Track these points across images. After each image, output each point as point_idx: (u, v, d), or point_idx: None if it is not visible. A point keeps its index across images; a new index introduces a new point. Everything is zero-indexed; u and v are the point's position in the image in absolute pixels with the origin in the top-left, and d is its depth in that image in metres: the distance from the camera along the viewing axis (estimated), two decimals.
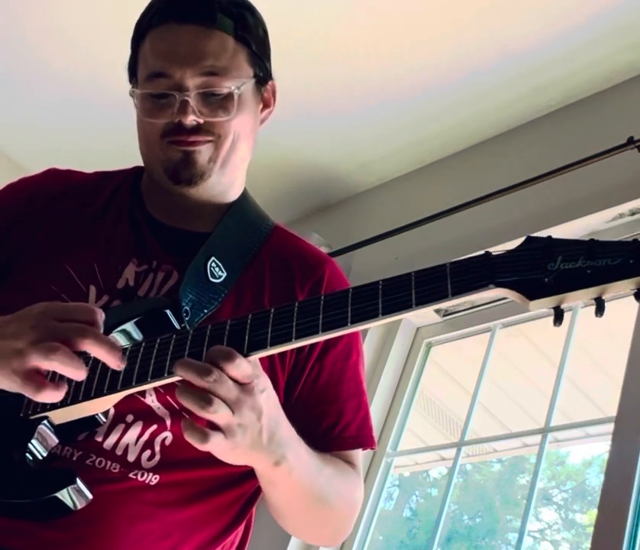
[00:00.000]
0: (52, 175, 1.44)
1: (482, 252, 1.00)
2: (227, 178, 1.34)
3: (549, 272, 0.94)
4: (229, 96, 1.28)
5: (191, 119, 1.26)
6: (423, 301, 0.98)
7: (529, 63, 2.78)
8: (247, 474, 1.23)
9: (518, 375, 3.66)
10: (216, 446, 1.01)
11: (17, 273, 1.30)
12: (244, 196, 1.40)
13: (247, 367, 1.01)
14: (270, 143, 2.94)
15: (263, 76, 1.35)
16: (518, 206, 2.74)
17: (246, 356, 1.01)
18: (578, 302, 0.95)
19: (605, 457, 2.31)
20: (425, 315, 3.00)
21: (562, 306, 0.95)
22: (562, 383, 2.52)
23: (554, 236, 1.01)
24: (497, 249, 3.00)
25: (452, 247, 2.92)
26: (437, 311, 3.00)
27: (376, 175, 3.40)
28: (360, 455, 1.33)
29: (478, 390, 2.79)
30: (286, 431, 1.11)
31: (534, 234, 1.01)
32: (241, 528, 1.28)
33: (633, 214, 2.52)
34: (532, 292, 0.94)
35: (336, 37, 2.82)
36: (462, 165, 3.14)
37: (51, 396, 1.03)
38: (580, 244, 0.95)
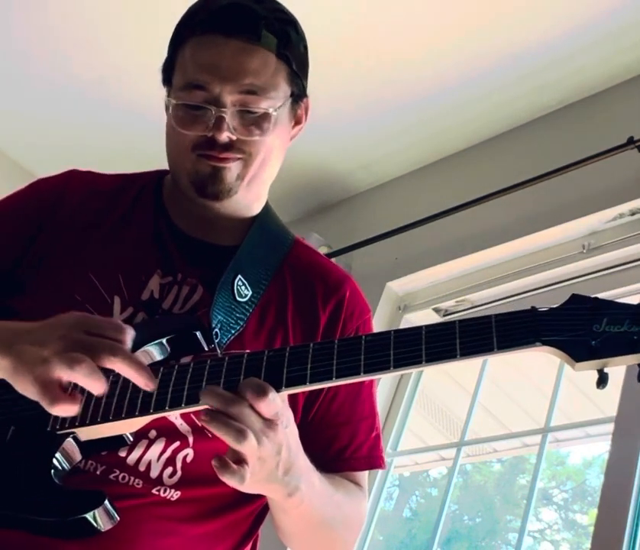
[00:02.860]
0: (73, 178, 1.41)
1: (528, 307, 1.01)
2: (252, 194, 1.33)
3: (595, 334, 0.95)
4: (265, 116, 1.26)
5: (225, 136, 1.23)
6: (468, 352, 0.99)
7: (529, 64, 2.78)
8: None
9: (518, 375, 3.66)
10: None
11: (41, 279, 1.28)
12: (267, 210, 1.39)
13: (278, 403, 1.01)
14: None
15: (298, 94, 1.33)
16: (519, 206, 2.74)
17: (281, 390, 1.02)
18: (622, 365, 0.97)
19: (605, 458, 2.31)
20: (425, 316, 3.00)
21: (605, 369, 0.96)
22: (562, 383, 2.53)
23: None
24: (497, 250, 2.99)
25: (452, 247, 2.92)
26: (437, 311, 3.00)
27: (376, 175, 3.40)
28: (367, 475, 1.34)
29: (478, 390, 2.79)
30: (302, 462, 1.11)
31: (580, 293, 1.01)
32: (249, 547, 1.29)
33: (633, 214, 2.53)
34: (579, 355, 0.96)
35: (336, 39, 2.82)
36: (462, 165, 3.14)
37: (65, 410, 1.03)
38: (625, 307, 0.96)
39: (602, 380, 0.96)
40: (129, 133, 3.38)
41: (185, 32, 1.29)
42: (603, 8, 2.54)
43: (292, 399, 1.21)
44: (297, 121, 1.37)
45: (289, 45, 1.29)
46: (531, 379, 3.59)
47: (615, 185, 2.51)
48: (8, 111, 3.52)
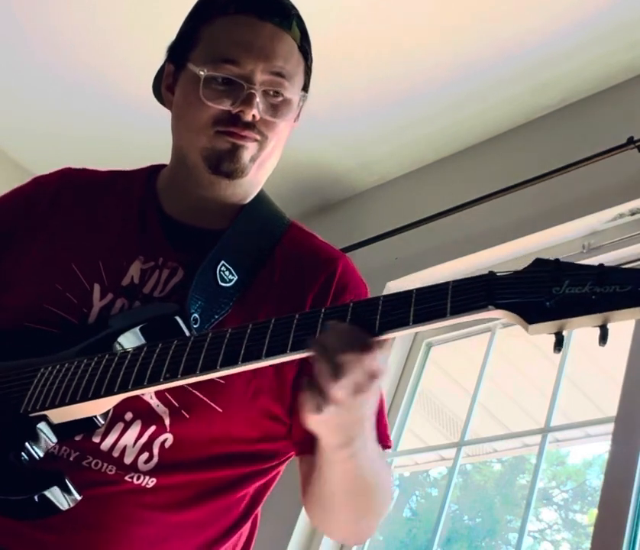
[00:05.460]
0: (66, 175, 1.43)
1: (487, 272, 0.98)
2: (257, 180, 1.34)
3: (553, 296, 0.91)
4: (287, 101, 1.29)
5: (253, 113, 1.25)
6: (421, 319, 0.97)
7: (529, 63, 2.78)
8: (248, 476, 1.23)
9: (518, 375, 3.66)
10: (321, 417, 0.98)
11: (26, 270, 1.29)
12: (260, 195, 1.39)
13: (379, 360, 0.98)
14: None
15: (305, 92, 1.36)
16: (519, 206, 2.74)
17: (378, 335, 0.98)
18: (581, 327, 0.92)
19: (605, 458, 2.31)
20: None
21: (564, 332, 0.91)
22: (562, 383, 2.53)
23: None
24: (497, 250, 2.99)
25: (452, 247, 2.92)
26: None
27: (376, 175, 3.40)
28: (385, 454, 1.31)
29: (478, 390, 2.79)
30: (368, 421, 1.08)
31: (544, 257, 0.97)
32: (245, 529, 1.27)
33: (633, 214, 2.52)
34: (532, 316, 0.91)
35: (336, 38, 2.82)
36: (462, 165, 3.14)
37: None
38: (589, 269, 0.92)
39: (559, 343, 0.91)
40: (130, 127, 3.38)
41: (214, 10, 1.31)
42: (603, 6, 2.54)
43: (281, 380, 1.21)
44: (295, 118, 1.38)
45: (308, 41, 1.34)
46: (531, 379, 3.59)
47: (615, 185, 2.51)
48: (9, 111, 3.52)
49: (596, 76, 2.74)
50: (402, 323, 0.97)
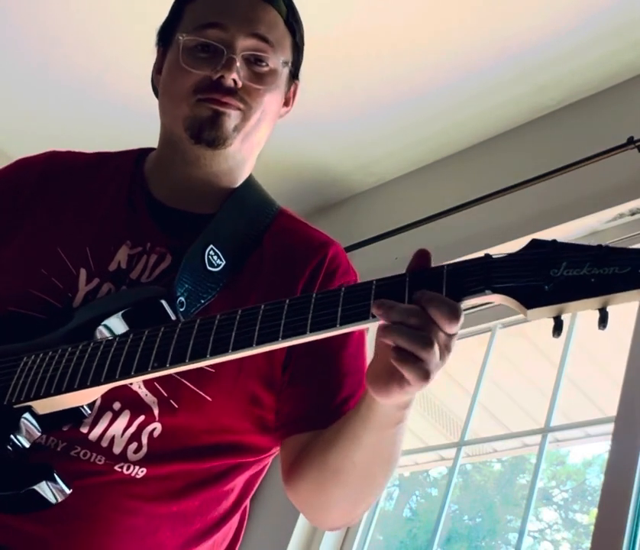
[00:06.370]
0: (51, 157, 1.42)
1: (482, 254, 0.96)
2: (242, 154, 1.32)
3: (550, 279, 0.88)
4: (271, 71, 1.29)
5: (233, 77, 1.24)
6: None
7: (529, 63, 2.78)
8: (237, 467, 1.22)
9: (518, 375, 3.66)
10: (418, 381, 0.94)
11: (12, 256, 1.28)
12: (249, 181, 1.38)
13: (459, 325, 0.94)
14: (270, 143, 2.94)
15: (294, 71, 1.36)
16: (518, 206, 2.74)
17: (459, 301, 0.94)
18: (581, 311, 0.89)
19: (605, 457, 2.31)
20: None
21: (562, 316, 0.89)
22: (562, 383, 2.52)
23: (561, 240, 0.93)
24: (497, 249, 3.01)
25: (452, 247, 2.91)
26: None
27: (376, 175, 3.40)
28: None
29: (478, 390, 2.79)
30: None
31: (540, 238, 0.94)
32: (234, 521, 1.25)
33: (633, 214, 2.52)
34: (530, 301, 0.89)
35: (335, 39, 2.82)
36: (462, 165, 3.14)
37: None
38: (587, 249, 0.89)
39: (557, 328, 0.89)
40: (128, 128, 3.38)
41: None
42: (603, 6, 2.54)
43: (271, 363, 1.20)
44: (286, 102, 1.38)
45: (296, 19, 1.35)
46: (531, 379, 3.59)
47: (615, 185, 2.51)
48: (8, 111, 3.52)
49: (596, 76, 2.74)
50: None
